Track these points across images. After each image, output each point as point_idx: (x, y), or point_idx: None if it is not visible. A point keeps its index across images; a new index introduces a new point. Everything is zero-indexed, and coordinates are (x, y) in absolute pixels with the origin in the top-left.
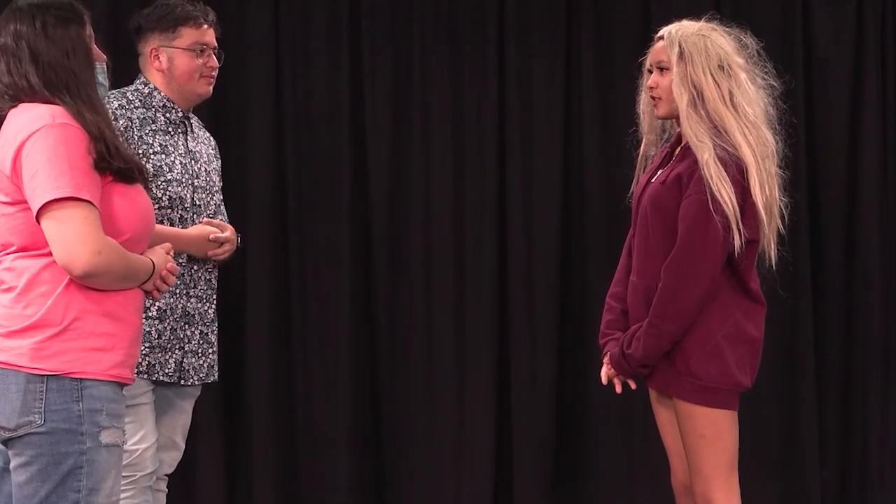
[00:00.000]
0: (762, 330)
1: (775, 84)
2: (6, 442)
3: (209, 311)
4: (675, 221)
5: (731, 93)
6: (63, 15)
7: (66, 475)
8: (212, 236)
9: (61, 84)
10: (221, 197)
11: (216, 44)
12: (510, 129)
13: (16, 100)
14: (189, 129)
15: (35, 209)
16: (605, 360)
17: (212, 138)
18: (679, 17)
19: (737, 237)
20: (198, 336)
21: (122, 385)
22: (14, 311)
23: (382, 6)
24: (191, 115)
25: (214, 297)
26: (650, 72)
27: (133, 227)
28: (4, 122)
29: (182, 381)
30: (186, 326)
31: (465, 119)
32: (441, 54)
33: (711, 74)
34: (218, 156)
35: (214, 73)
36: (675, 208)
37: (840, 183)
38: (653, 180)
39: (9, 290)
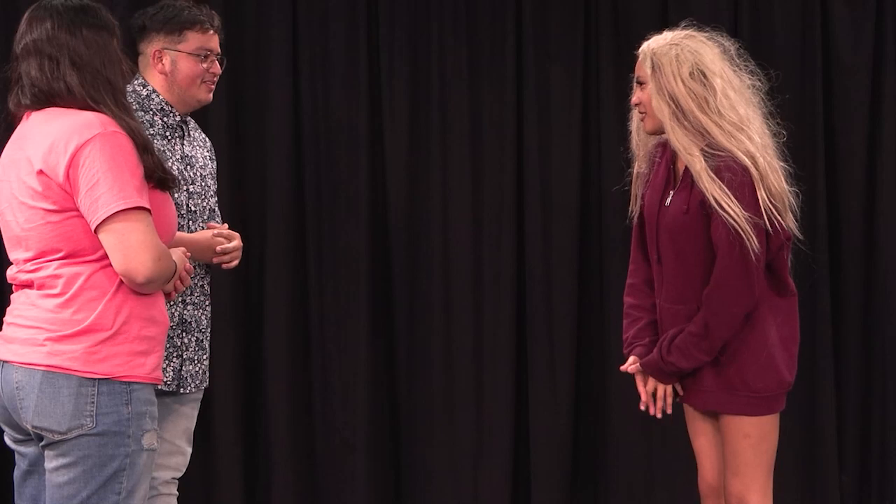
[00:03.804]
0: (798, 322)
1: (761, 83)
2: (48, 445)
3: (203, 317)
4: (708, 246)
5: (706, 99)
6: (97, 23)
7: (110, 477)
8: (219, 248)
9: (102, 91)
10: (216, 200)
11: (219, 50)
12: (528, 132)
13: (44, 101)
14: (186, 133)
15: (98, 220)
16: (635, 367)
17: (208, 140)
18: (698, 21)
19: (753, 242)
20: (194, 343)
21: (156, 387)
22: (62, 317)
23: (400, 12)
24: (188, 118)
25: (208, 303)
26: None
27: (166, 233)
28: (31, 123)
29: (181, 390)
30: (184, 334)
31: (483, 123)
32: (459, 59)
33: (683, 83)
34: (213, 158)
35: (216, 80)
36: (705, 233)
37: (859, 188)
38: (667, 203)
39: (56, 295)
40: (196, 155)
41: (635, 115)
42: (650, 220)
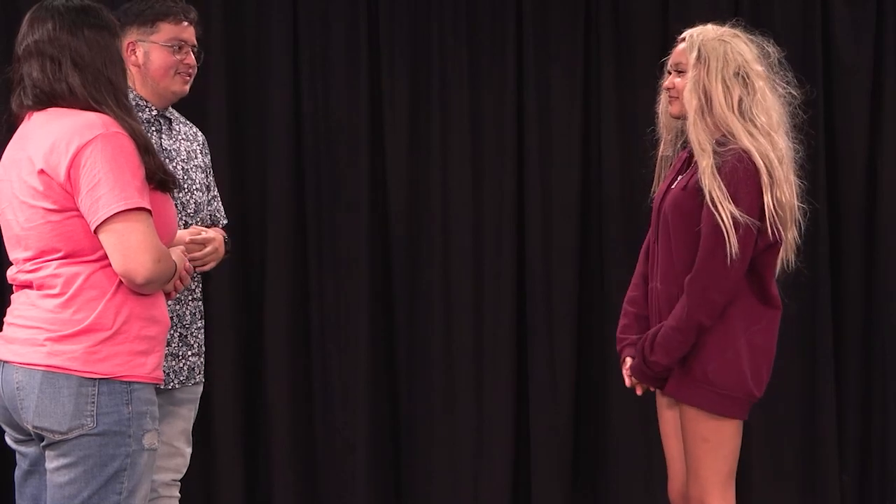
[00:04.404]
0: (776, 338)
1: (795, 94)
2: (49, 445)
3: (186, 312)
4: (697, 226)
5: (740, 100)
6: (99, 23)
7: (111, 477)
8: (187, 264)
9: (104, 92)
10: (213, 193)
11: (195, 42)
12: (528, 132)
13: (45, 102)
14: (165, 128)
15: (99, 220)
16: (626, 369)
17: (199, 133)
18: (698, 21)
19: (733, 242)
20: (176, 338)
21: (156, 386)
22: (62, 317)
23: (400, 12)
24: (170, 112)
25: (190, 298)
26: (670, 73)
27: (167, 235)
28: (32, 123)
29: (160, 385)
30: None
31: (483, 123)
32: (459, 59)
33: (723, 80)
34: (207, 151)
35: (192, 71)
36: (697, 213)
37: (859, 188)
38: (673, 186)
39: (55, 295)
40: (179, 149)
41: (663, 98)
42: (656, 202)
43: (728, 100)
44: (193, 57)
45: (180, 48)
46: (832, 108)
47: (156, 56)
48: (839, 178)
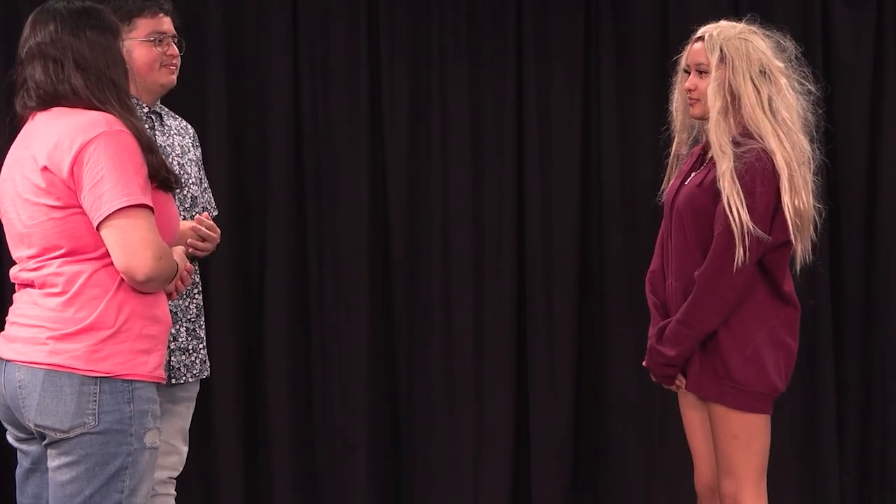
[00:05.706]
0: (797, 334)
1: (813, 90)
2: (51, 443)
3: (191, 306)
4: (712, 223)
5: (770, 98)
6: (101, 24)
7: (113, 476)
8: (188, 248)
9: (107, 92)
10: (205, 185)
11: (175, 31)
12: (528, 132)
13: (49, 102)
14: (158, 124)
15: (101, 216)
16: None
17: (189, 127)
18: (697, 21)
19: (740, 251)
20: (184, 333)
21: (158, 385)
22: (65, 315)
23: (400, 12)
24: (160, 107)
25: (196, 291)
26: (687, 72)
27: (168, 234)
28: (36, 123)
29: (174, 380)
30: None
31: (483, 123)
32: (459, 59)
33: (752, 80)
34: (196, 144)
35: (176, 62)
36: (712, 210)
37: (859, 188)
38: (686, 182)
39: (58, 294)
40: (173, 144)
41: (677, 95)
42: (668, 199)
43: (758, 99)
44: (175, 47)
45: (161, 41)
46: (832, 108)
47: (138, 52)
48: (839, 178)
